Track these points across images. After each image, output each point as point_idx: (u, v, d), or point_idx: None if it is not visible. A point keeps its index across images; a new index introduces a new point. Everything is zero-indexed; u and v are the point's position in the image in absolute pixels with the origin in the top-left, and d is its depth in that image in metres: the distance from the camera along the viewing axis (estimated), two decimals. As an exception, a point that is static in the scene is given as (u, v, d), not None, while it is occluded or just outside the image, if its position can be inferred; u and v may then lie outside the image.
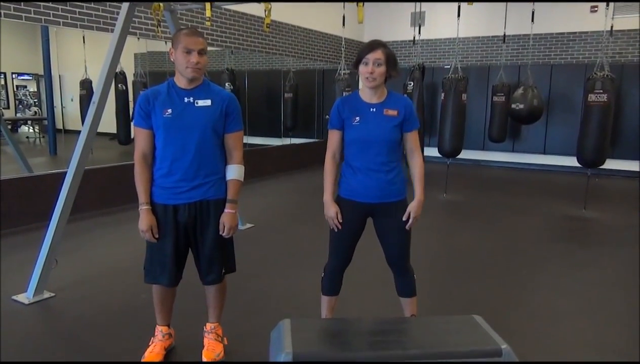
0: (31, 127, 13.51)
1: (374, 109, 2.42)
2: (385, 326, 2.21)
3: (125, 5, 3.25)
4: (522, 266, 3.95)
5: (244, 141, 9.10)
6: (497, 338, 2.03)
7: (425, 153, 7.81)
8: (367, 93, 2.43)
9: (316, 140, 10.51)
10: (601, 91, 5.50)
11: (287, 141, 10.23)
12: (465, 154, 7.69)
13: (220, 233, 2.31)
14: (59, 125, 10.68)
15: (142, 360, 2.39)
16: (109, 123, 10.67)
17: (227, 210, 2.34)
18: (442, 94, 6.91)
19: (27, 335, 2.70)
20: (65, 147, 9.75)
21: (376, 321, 2.34)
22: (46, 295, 3.16)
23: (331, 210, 2.44)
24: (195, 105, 2.28)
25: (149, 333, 2.68)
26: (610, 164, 7.15)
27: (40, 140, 12.44)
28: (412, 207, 2.43)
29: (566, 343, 2.70)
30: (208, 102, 2.28)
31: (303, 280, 3.52)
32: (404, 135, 2.48)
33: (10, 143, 7.35)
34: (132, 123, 10.15)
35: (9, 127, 8.71)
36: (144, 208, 2.31)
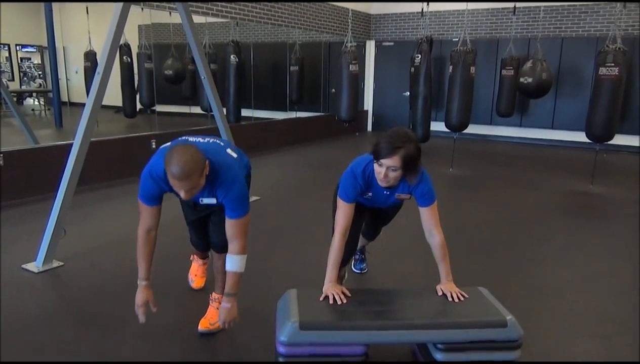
0: (36, 100, 13.51)
1: (387, 192, 2.35)
2: (390, 296, 2.24)
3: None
4: (528, 240, 3.96)
5: (250, 114, 8.98)
6: (502, 310, 2.05)
7: (432, 128, 7.77)
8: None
9: (322, 113, 10.44)
10: (612, 64, 5.40)
11: (292, 115, 10.17)
12: (472, 129, 7.63)
13: (220, 325, 2.18)
14: (64, 98, 10.68)
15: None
16: (114, 96, 10.63)
17: (224, 304, 2.15)
18: (450, 67, 6.82)
19: (37, 302, 2.74)
20: (70, 120, 9.76)
21: (381, 291, 2.36)
22: (55, 264, 3.20)
23: (335, 288, 2.17)
24: (200, 202, 2.19)
25: (157, 299, 2.73)
26: (619, 139, 7.07)
27: (45, 112, 12.47)
28: (444, 288, 2.20)
29: (569, 314, 2.71)
30: (213, 200, 2.17)
31: (308, 251, 3.54)
32: (419, 209, 2.30)
33: (16, 115, 7.35)
34: (137, 101, 10.13)
35: (14, 99, 8.70)
36: (143, 284, 2.17)
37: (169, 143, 2.16)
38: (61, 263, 3.22)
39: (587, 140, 5.91)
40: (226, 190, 2.03)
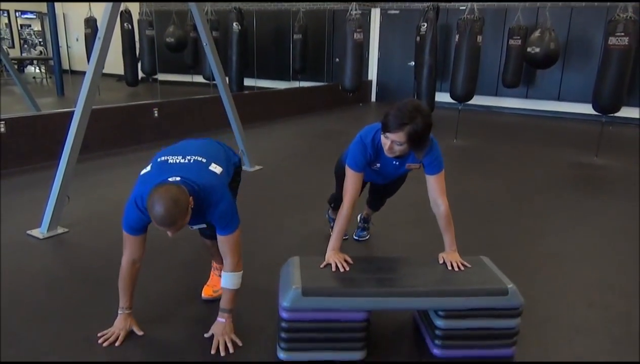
0: (37, 67, 13.38)
1: (397, 162, 2.32)
2: (392, 264, 2.25)
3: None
4: (530, 212, 3.96)
5: (252, 84, 8.93)
6: (504, 278, 2.06)
7: (437, 99, 7.68)
8: None
9: (325, 83, 10.33)
10: (622, 34, 5.29)
11: (295, 84, 10.07)
12: (477, 100, 7.54)
13: (213, 351, 2.03)
14: (65, 66, 10.58)
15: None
16: (115, 64, 10.52)
17: (219, 318, 2.09)
18: (457, 36, 6.69)
19: (43, 267, 2.78)
20: (72, 88, 9.69)
21: (383, 259, 2.37)
22: (60, 230, 3.22)
23: (338, 255, 2.16)
24: (191, 228, 2.18)
25: (159, 264, 2.75)
26: (626, 112, 6.99)
27: (47, 80, 12.38)
28: (446, 256, 2.20)
29: (570, 284, 2.74)
30: (203, 225, 2.17)
31: (311, 220, 3.56)
32: (426, 177, 2.28)
33: (17, 82, 7.30)
34: (138, 69, 10.00)
35: (15, 66, 8.62)
36: (126, 313, 2.12)
37: (148, 168, 2.06)
38: (66, 230, 3.24)
39: (593, 112, 5.85)
40: (213, 211, 1.96)
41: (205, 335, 2.10)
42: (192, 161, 2.04)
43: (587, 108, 6.49)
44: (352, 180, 2.29)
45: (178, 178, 1.89)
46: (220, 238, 2.02)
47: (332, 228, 3.23)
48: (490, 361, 2.03)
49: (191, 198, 1.85)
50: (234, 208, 2.03)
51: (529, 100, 9.38)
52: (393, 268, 2.19)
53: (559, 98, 8.98)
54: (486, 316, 1.99)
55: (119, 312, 2.12)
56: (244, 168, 4.93)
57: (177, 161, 2.03)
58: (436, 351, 2.05)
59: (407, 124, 2.02)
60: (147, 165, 2.09)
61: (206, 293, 2.46)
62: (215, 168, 2.06)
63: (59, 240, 3.13)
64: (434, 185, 2.27)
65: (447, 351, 2.04)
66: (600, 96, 5.57)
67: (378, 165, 2.34)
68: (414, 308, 2.24)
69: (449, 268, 2.15)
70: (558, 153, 6.11)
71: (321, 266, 2.12)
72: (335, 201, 2.89)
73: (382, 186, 2.82)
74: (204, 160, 2.06)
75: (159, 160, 2.08)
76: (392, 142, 2.09)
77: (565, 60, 8.52)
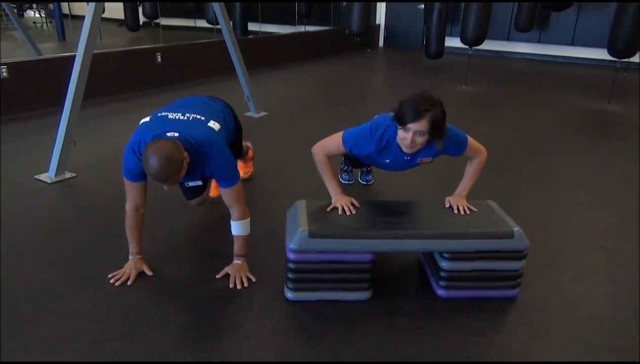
0: (37, 12, 13.06)
1: (408, 157, 2.22)
2: (398, 207, 2.25)
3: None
4: (540, 157, 3.92)
5: (257, 28, 8.67)
6: (510, 221, 2.06)
7: (447, 43, 7.48)
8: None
9: (331, 27, 10.04)
10: (644, -27, 5.05)
11: (301, 28, 9.79)
12: (488, 45, 7.34)
13: (231, 285, 2.11)
14: (65, 10, 10.30)
15: None
16: (116, 9, 10.25)
17: (235, 261, 2.19)
18: (469, -24, 6.41)
19: (53, 211, 2.81)
20: (73, 33, 9.48)
21: (390, 203, 2.37)
22: (67, 175, 3.24)
23: (344, 198, 2.16)
24: (186, 186, 2.26)
25: (167, 207, 2.78)
26: (641, 57, 6.79)
27: (47, 25, 12.11)
28: (453, 200, 2.21)
29: (576, 229, 2.75)
30: (198, 183, 2.24)
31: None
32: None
33: (17, 27, 7.16)
34: (139, 13, 9.71)
35: (15, 10, 8.42)
36: (136, 257, 2.18)
37: (147, 118, 2.08)
38: (74, 174, 3.26)
39: (607, 58, 5.69)
40: (212, 164, 1.99)
41: (217, 276, 2.15)
42: (191, 118, 2.07)
43: (601, 54, 6.30)
44: (336, 147, 2.26)
45: (176, 134, 1.93)
46: (224, 191, 2.06)
47: (342, 171, 3.24)
48: (494, 302, 2.07)
49: (186, 154, 1.88)
50: (233, 161, 2.08)
51: (541, 45, 9.11)
52: (400, 211, 2.19)
53: (573, 43, 8.71)
54: (491, 259, 2.01)
55: (130, 257, 2.18)
56: (249, 114, 4.89)
57: (177, 117, 2.06)
58: (441, 292, 2.09)
59: (428, 111, 1.95)
60: (147, 116, 2.11)
61: (213, 194, 2.80)
62: (214, 125, 2.10)
63: (67, 185, 3.16)
64: (469, 154, 2.28)
65: (451, 292, 2.07)
66: (616, 39, 5.38)
67: (387, 160, 2.28)
68: (420, 250, 2.26)
69: (455, 212, 2.15)
70: (569, 100, 5.99)
71: (328, 209, 2.13)
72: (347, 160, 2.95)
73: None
74: (203, 118, 2.10)
75: (159, 115, 2.11)
76: (414, 133, 2.00)
77: (581, 2, 8.20)
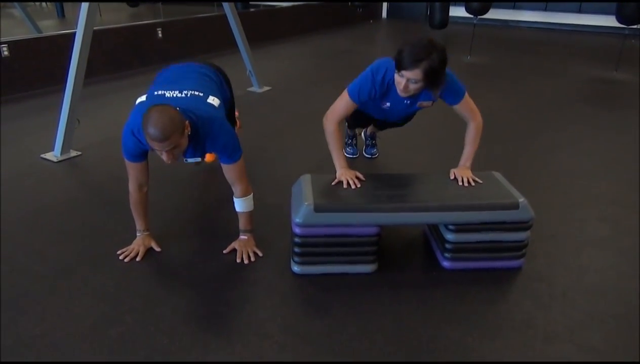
0: (35, -12, 12.84)
1: (408, 101, 2.22)
2: (403, 180, 2.25)
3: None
4: (546, 127, 3.90)
5: (258, 2, 8.47)
6: (515, 192, 2.06)
7: (451, 13, 7.33)
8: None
9: (334, -1, 9.85)
10: None
11: (303, 1, 9.61)
12: (493, 13, 7.20)
13: (238, 260, 2.14)
14: (63, -14, 10.13)
15: None
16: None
17: (242, 236, 2.21)
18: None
19: (60, 189, 2.83)
20: (72, 10, 9.36)
21: (395, 176, 2.37)
22: (73, 153, 3.25)
23: (349, 172, 2.15)
24: (186, 161, 2.19)
25: (172, 183, 2.79)
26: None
27: (46, 3, 11.94)
28: (457, 172, 2.19)
29: (581, 199, 2.74)
30: (198, 159, 2.20)
31: (321, 139, 3.52)
32: (452, 107, 2.27)
33: (16, 5, 7.06)
34: None
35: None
36: (144, 234, 2.20)
37: (144, 98, 2.04)
38: (79, 153, 3.27)
39: (615, 25, 5.57)
40: (214, 141, 1.97)
41: (224, 251, 2.18)
42: (189, 95, 2.03)
43: (609, 21, 6.17)
44: (345, 105, 2.27)
45: (177, 109, 1.89)
46: (227, 167, 2.05)
47: (346, 145, 3.24)
48: (499, 272, 2.09)
49: (187, 122, 1.85)
50: (235, 137, 2.05)
51: (548, 13, 8.93)
52: (404, 184, 2.20)
53: (580, 10, 8.53)
54: (497, 230, 2.01)
55: (137, 234, 2.20)
56: (252, 89, 4.86)
57: (174, 95, 2.02)
58: (446, 264, 2.10)
59: (423, 60, 1.95)
60: (143, 95, 2.07)
61: (209, 159, 2.86)
62: (213, 101, 2.07)
63: (73, 163, 3.17)
64: (462, 110, 2.28)
65: (456, 264, 2.09)
66: (624, 5, 5.27)
67: (388, 104, 2.29)
68: (425, 222, 2.27)
69: (460, 184, 2.15)
70: (577, 68, 5.91)
71: (333, 183, 2.14)
72: (349, 122, 2.92)
73: (389, 123, 2.77)
74: (201, 94, 2.06)
75: (156, 93, 2.05)
76: (407, 80, 2.03)
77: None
